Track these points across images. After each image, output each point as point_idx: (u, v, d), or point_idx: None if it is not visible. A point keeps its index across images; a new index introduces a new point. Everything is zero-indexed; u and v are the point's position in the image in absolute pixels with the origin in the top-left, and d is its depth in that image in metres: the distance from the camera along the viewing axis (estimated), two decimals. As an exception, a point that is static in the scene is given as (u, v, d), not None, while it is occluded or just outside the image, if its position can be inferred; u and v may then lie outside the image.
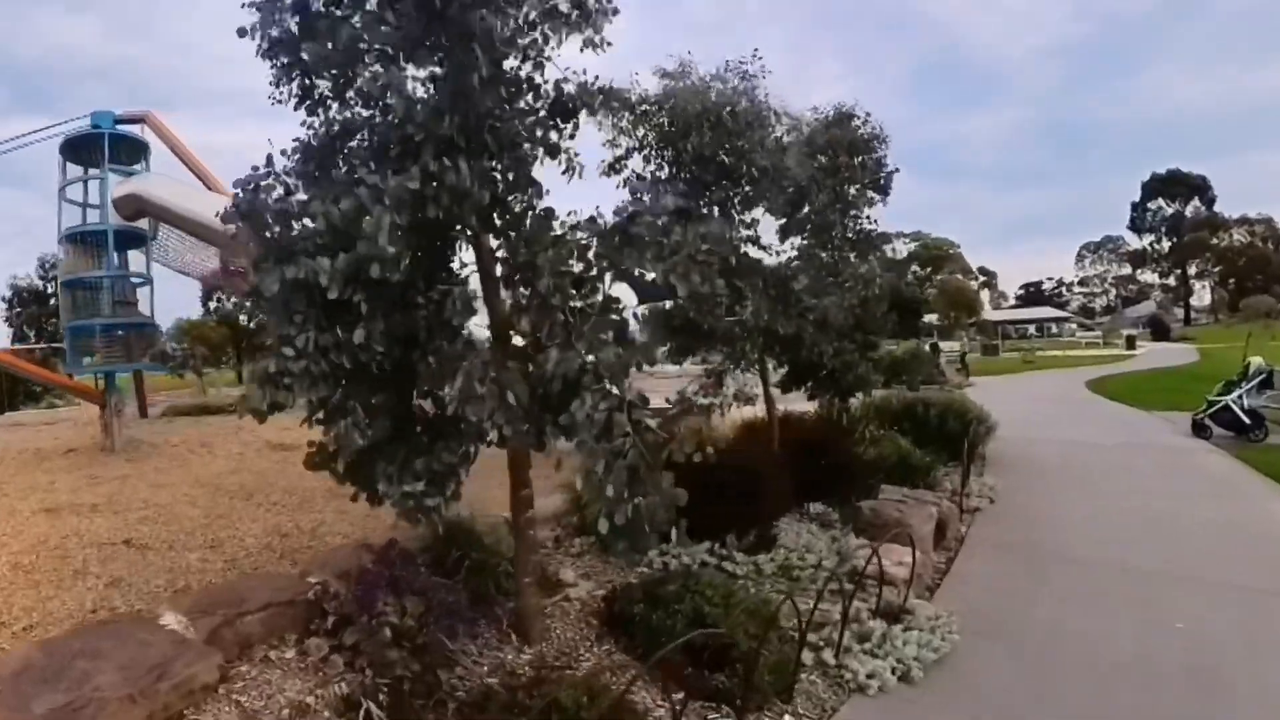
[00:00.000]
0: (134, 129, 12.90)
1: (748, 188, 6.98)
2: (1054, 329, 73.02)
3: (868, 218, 9.73)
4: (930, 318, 48.12)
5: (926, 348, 28.52)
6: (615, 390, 3.21)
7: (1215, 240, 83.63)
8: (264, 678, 3.54)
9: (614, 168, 7.45)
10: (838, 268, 8.66)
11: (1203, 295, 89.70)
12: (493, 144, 3.53)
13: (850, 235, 9.49)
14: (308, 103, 3.77)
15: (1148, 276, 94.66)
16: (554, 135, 3.75)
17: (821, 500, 7.35)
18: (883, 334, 9.79)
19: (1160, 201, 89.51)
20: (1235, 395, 12.31)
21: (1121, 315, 79.48)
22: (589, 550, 5.87)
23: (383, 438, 3.61)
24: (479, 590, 4.31)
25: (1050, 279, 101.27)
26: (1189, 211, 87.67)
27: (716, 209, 7.07)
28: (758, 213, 7.47)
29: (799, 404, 9.66)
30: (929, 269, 66.70)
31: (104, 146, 12.04)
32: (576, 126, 3.83)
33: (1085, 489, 9.08)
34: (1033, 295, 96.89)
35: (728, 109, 6.86)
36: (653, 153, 7.28)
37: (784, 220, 9.28)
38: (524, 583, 4.22)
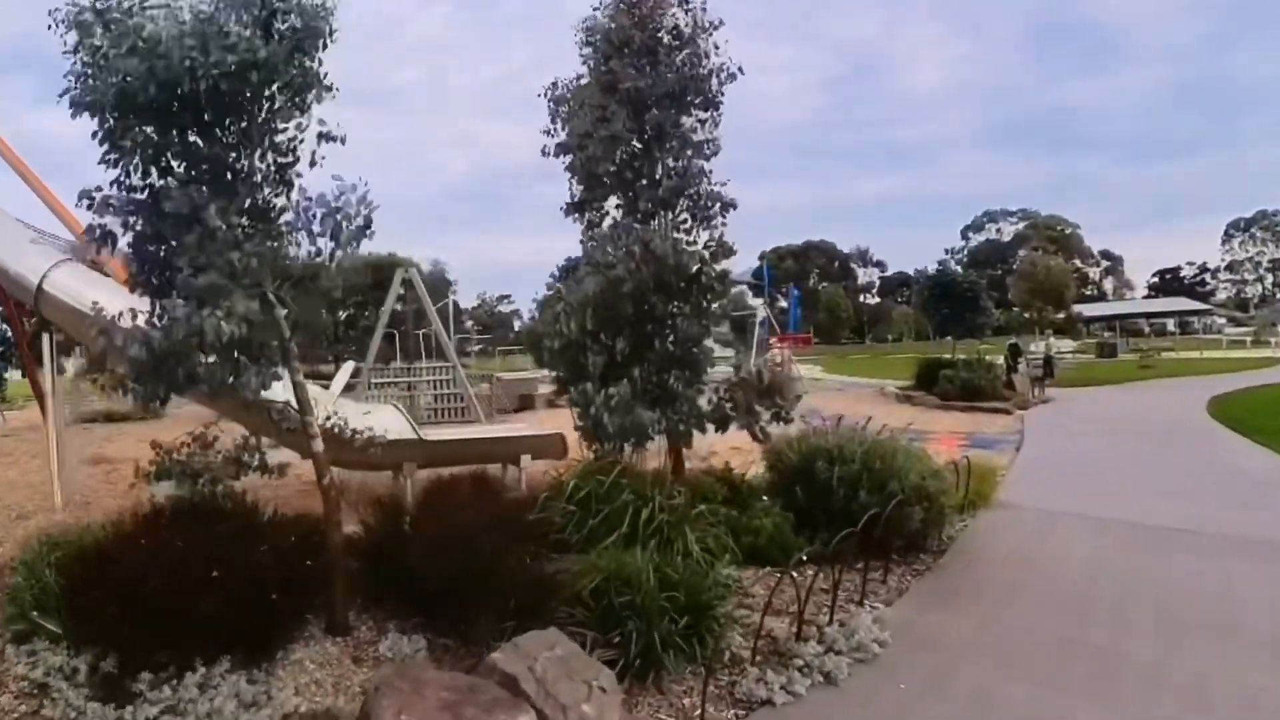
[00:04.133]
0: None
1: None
2: (1196, 324, 62.69)
3: (701, 144, 5.78)
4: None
5: (1005, 349, 22.74)
6: None
7: (1406, 214, 69.49)
8: None
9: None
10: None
11: (1389, 281, 75.16)
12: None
13: (662, 185, 5.56)
14: None
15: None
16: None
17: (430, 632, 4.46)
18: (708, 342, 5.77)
19: (1333, 170, 75.41)
20: None
21: (1278, 306, 67.51)
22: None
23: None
24: None
25: (1190, 264, 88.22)
26: (1372, 181, 73.42)
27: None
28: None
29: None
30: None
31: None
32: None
33: (1077, 676, 4.29)
34: (1168, 284, 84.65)
35: None
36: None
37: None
38: None
